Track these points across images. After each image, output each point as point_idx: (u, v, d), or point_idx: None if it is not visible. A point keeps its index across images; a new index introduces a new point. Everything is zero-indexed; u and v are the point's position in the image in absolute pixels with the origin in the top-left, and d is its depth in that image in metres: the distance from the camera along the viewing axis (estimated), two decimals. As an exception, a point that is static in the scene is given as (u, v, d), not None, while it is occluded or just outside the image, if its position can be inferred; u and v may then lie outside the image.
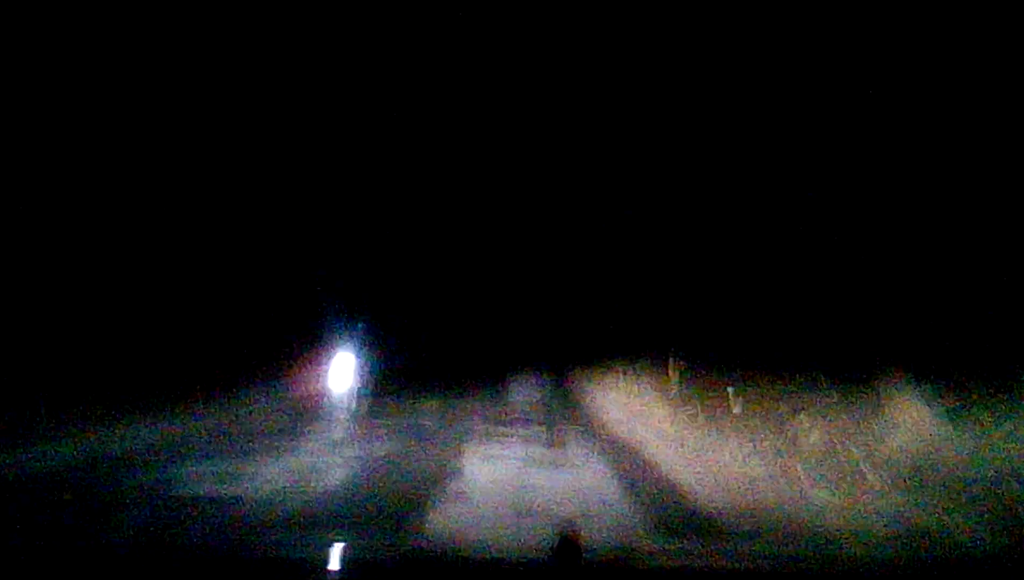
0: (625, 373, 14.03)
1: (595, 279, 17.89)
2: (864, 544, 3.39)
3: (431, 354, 19.36)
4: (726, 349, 9.14)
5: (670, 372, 11.07)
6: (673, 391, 10.60)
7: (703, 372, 9.61)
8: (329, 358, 14.44)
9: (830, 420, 6.02)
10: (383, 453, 6.61)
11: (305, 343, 14.84)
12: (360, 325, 15.62)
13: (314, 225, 15.82)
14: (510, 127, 14.94)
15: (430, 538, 3.72)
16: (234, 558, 1.88)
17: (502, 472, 5.72)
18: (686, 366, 10.57)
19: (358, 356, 14.29)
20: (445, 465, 5.91)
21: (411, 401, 11.19)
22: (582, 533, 1.55)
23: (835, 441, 5.56)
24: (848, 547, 3.10)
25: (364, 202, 17.08)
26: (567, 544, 1.47)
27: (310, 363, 14.42)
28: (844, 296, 7.02)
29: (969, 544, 3.24)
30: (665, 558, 2.12)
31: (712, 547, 2.61)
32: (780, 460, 6.15)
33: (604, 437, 8.24)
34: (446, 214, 19.05)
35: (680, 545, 2.65)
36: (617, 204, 14.34)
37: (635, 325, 15.22)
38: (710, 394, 8.67)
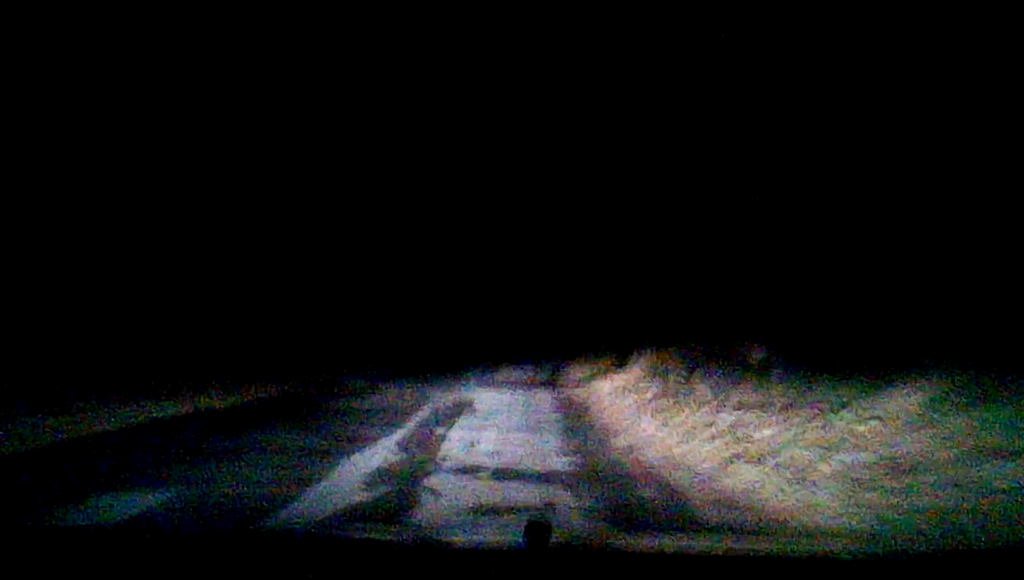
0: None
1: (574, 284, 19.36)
2: (848, 539, 3.12)
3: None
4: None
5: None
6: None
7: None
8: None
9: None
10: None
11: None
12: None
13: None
14: (502, 126, 15.22)
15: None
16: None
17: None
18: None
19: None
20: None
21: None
22: (552, 522, 1.57)
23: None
24: (831, 543, 2.71)
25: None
26: (536, 529, 1.54)
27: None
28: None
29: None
30: (633, 542, 2.24)
31: (686, 540, 2.44)
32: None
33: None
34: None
35: (653, 538, 2.47)
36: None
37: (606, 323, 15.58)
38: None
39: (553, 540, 1.51)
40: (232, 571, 1.49)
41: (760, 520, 3.85)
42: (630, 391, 9.58)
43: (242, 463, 5.05)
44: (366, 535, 2.20)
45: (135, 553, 1.56)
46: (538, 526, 1.51)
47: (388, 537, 2.13)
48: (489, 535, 2.43)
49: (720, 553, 1.82)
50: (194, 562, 1.51)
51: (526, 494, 4.35)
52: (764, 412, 6.20)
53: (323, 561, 1.55)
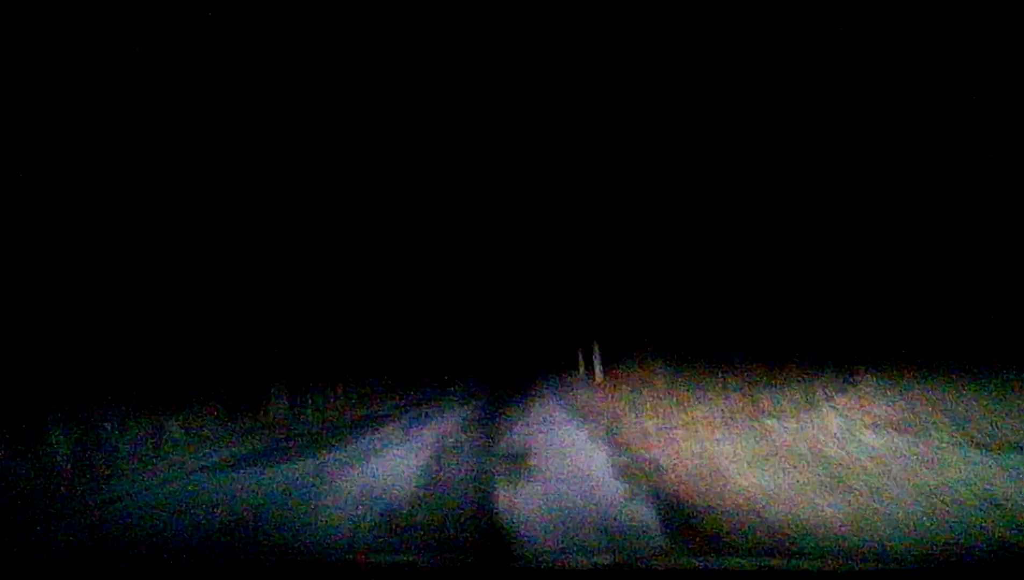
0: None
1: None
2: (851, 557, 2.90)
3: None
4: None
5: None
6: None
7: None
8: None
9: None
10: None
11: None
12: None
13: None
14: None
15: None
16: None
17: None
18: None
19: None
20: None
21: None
22: (511, 538, 1.68)
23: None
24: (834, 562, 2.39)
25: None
26: (494, 546, 1.61)
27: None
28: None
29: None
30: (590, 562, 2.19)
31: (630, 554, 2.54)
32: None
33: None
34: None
35: (603, 558, 2.42)
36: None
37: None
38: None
39: (511, 563, 1.54)
40: None
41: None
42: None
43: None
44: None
45: None
46: (495, 543, 1.53)
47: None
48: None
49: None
50: None
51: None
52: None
53: None
